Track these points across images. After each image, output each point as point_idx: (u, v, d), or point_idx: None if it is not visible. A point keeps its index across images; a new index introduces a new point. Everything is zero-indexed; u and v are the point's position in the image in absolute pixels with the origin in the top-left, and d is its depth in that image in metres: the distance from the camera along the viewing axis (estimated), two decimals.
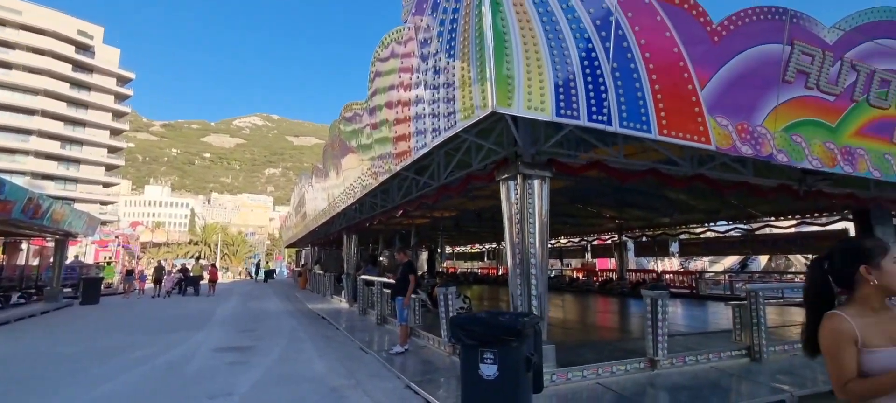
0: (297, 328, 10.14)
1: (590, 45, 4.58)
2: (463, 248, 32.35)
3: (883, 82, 6.96)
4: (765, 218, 15.10)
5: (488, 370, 2.81)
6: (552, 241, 24.03)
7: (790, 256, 22.62)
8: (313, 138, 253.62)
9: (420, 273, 24.43)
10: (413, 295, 7.89)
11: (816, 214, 13.75)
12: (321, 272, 19.46)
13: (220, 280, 24.89)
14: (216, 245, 58.65)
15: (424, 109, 5.46)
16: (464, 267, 33.90)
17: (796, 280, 18.25)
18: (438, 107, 5.10)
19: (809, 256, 22.34)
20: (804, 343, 1.63)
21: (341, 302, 14.75)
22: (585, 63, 4.55)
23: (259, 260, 46.66)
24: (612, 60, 4.68)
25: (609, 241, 20.28)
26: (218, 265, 49.98)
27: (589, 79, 4.55)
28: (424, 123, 5.49)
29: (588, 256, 22.46)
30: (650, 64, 4.91)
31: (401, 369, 5.67)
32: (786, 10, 5.91)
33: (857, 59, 6.65)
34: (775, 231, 15.34)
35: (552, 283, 20.53)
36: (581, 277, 21.26)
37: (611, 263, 21.30)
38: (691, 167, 6.95)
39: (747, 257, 22.29)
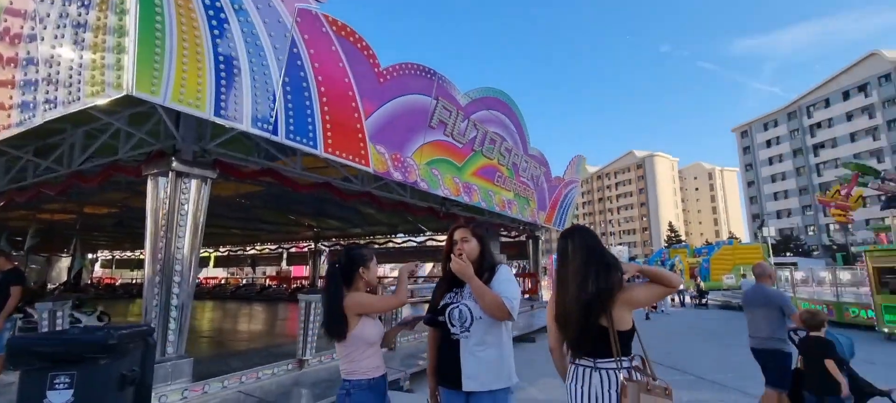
0: None
1: (262, 54, 4.60)
2: (130, 254, 26.31)
3: (492, 140, 9.81)
4: (429, 233, 18.74)
5: (60, 397, 2.34)
6: (247, 248, 22.62)
7: None
8: None
9: (56, 284, 18.43)
10: (18, 316, 5.86)
11: None
12: None
13: None
14: None
15: (38, 73, 4.21)
16: (130, 276, 27.51)
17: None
18: (59, 74, 4.02)
19: None
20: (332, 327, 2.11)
21: None
22: (255, 70, 4.54)
23: None
24: (285, 74, 4.85)
25: (306, 249, 20.68)
26: None
27: (257, 85, 4.55)
28: (36, 92, 4.22)
29: (284, 264, 22.23)
30: (322, 87, 5.34)
31: None
32: (435, 72, 7.55)
33: (478, 121, 9.15)
34: (436, 243, 19.17)
35: (240, 293, 19.26)
36: (274, 285, 20.78)
37: (307, 270, 21.73)
38: (362, 185, 7.94)
39: (417, 264, 27.03)
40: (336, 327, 2.11)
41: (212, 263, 24.04)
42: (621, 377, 1.75)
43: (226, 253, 23.75)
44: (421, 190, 7.64)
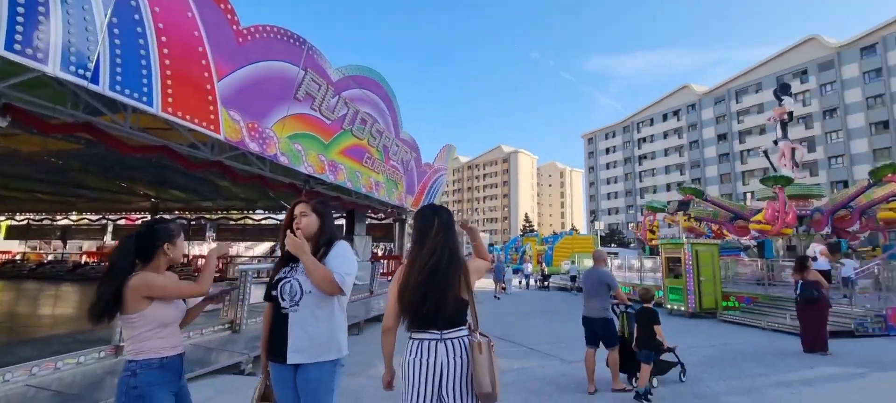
0: None
1: None
2: None
3: (362, 120, 9.66)
4: None
5: None
6: (57, 218, 18.68)
7: None
8: None
9: None
10: None
11: None
12: None
13: None
14: None
15: None
16: None
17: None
18: None
19: None
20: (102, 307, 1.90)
21: None
22: (70, 3, 3.77)
23: None
24: (112, 15, 4.13)
25: (139, 221, 17.88)
26: None
27: (72, 22, 3.80)
28: None
29: (108, 238, 18.87)
30: (163, 36, 4.68)
31: None
32: (305, 41, 7.10)
33: (349, 99, 8.92)
34: None
35: (45, 272, 15.92)
36: (94, 262, 17.57)
37: None
38: (212, 154, 7.17)
39: (276, 243, 25.39)
40: (101, 308, 1.87)
41: (2, 234, 19.17)
42: (473, 340, 1.91)
43: (25, 223, 19.18)
44: (281, 164, 7.21)
